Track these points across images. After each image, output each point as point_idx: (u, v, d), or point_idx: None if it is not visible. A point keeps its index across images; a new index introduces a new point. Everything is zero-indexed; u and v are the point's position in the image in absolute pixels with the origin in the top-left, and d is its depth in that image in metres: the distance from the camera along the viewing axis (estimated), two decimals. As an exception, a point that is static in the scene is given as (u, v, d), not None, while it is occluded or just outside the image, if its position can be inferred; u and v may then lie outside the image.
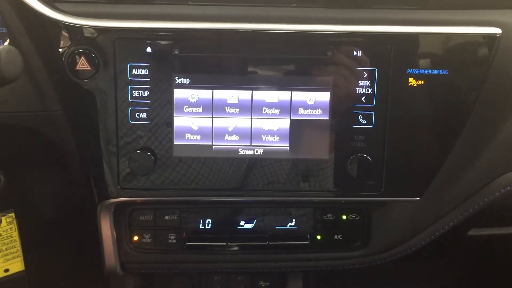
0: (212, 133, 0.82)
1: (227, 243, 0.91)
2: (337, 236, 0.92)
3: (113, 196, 0.83)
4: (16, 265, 0.91)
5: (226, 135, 0.82)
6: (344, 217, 0.92)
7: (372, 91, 0.79)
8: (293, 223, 0.92)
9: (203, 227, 0.91)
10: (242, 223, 0.92)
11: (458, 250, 1.09)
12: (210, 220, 0.92)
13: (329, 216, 0.92)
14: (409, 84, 0.78)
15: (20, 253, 0.90)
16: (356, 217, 0.92)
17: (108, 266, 0.90)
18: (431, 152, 0.83)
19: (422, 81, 0.78)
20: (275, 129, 0.82)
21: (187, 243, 0.91)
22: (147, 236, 0.91)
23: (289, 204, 0.90)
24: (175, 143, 0.82)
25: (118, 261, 0.91)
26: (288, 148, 0.83)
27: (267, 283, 1.08)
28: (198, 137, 0.82)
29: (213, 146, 0.83)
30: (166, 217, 0.90)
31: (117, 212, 0.88)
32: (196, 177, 0.83)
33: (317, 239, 0.93)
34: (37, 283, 0.93)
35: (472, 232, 0.95)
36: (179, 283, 1.07)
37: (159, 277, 1.08)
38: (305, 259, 0.93)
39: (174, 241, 0.91)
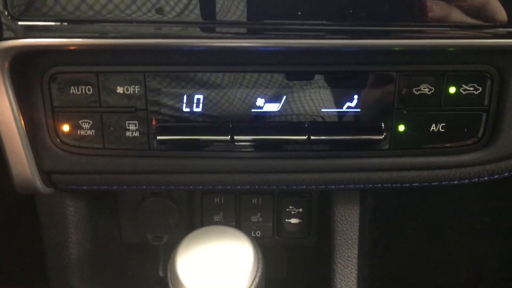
0: None
1: (231, 138, 0.65)
2: (436, 126, 0.65)
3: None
4: None
5: None
6: (451, 89, 0.63)
7: None
8: (353, 103, 0.64)
9: (188, 109, 0.64)
10: (259, 101, 0.64)
11: None
12: (200, 96, 0.64)
13: (424, 88, 0.63)
14: None
15: None
16: (476, 89, 0.63)
17: (17, 177, 0.64)
18: None
19: None
20: None
21: (158, 137, 0.65)
22: (86, 124, 0.64)
23: (351, 57, 0.63)
24: None
25: (35, 169, 0.65)
26: None
27: (299, 210, 0.82)
28: None
29: None
30: (119, 89, 0.62)
31: (25, 77, 0.62)
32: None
33: (398, 131, 0.66)
34: None
35: None
36: (154, 205, 0.81)
37: (119, 197, 0.84)
38: (373, 168, 0.68)
39: (136, 133, 0.64)
